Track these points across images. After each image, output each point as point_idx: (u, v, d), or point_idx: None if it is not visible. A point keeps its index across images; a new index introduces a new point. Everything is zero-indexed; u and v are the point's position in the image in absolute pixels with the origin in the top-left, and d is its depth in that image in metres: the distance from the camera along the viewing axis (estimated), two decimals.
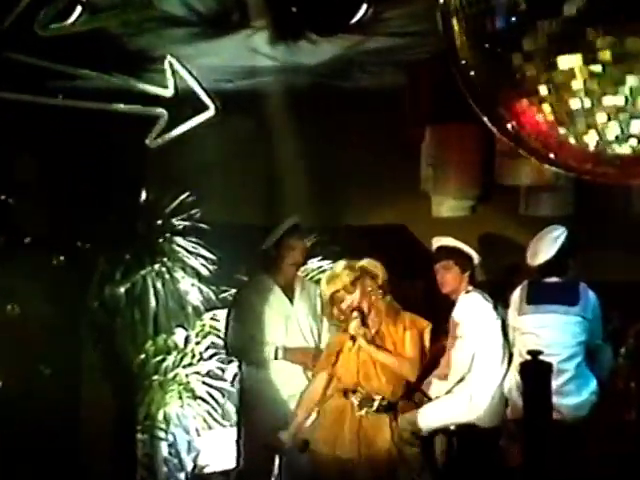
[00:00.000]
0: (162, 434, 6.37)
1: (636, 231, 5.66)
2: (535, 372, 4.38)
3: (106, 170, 5.69)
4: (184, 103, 5.01)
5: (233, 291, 6.02)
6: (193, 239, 6.37)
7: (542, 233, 5.17)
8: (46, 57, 4.79)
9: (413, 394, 5.06)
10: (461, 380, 5.12)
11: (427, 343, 4.89)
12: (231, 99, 5.27)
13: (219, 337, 6.33)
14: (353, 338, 4.81)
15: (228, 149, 6.56)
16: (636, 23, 2.77)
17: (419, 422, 4.98)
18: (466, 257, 5.29)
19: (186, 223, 6.38)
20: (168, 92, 4.99)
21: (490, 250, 5.81)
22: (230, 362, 6.29)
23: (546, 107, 2.96)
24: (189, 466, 6.49)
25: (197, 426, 6.53)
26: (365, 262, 4.99)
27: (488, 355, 5.11)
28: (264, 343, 5.48)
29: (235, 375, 5.57)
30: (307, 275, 6.25)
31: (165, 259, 6.29)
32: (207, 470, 6.39)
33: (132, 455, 6.23)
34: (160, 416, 6.38)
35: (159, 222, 6.36)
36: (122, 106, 4.94)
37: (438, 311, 5.05)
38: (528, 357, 4.40)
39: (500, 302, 5.27)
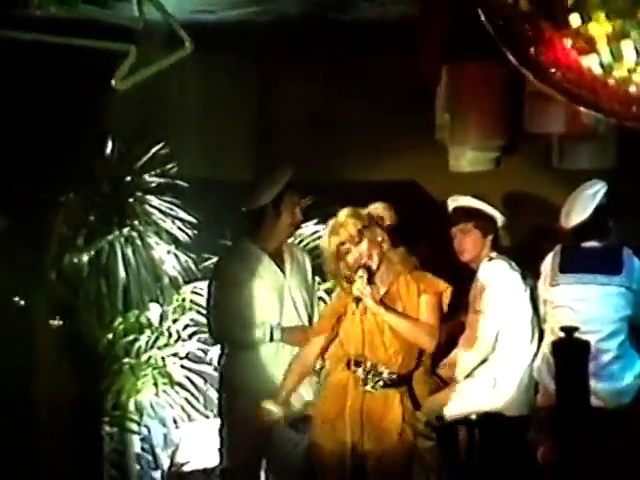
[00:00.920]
0: (134, 426, 6.42)
1: None
2: (570, 352, 4.38)
3: (64, 116, 5.65)
4: (157, 38, 4.97)
5: (215, 259, 5.99)
6: (168, 198, 6.36)
7: (578, 190, 5.17)
8: None
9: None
10: (484, 362, 5.15)
11: (445, 308, 4.87)
12: (213, 33, 5.23)
13: (200, 313, 6.33)
14: (358, 301, 4.78)
15: (209, 92, 6.53)
16: None
17: (435, 410, 5.00)
18: (488, 219, 5.31)
19: (160, 180, 6.37)
20: (138, 25, 4.95)
21: (517, 210, 5.81)
22: (214, 343, 6.25)
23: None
24: (165, 463, 6.53)
25: (175, 417, 6.56)
26: (373, 208, 4.97)
27: (515, 332, 5.15)
28: (255, 322, 5.39)
29: (220, 357, 5.55)
30: (301, 242, 6.23)
31: (136, 222, 6.31)
32: (186, 468, 6.40)
33: (98, 451, 6.25)
34: (131, 405, 6.41)
35: (128, 178, 6.35)
36: (84, 40, 4.90)
37: (456, 282, 5.03)
38: (562, 334, 4.39)
39: (529, 271, 5.29)
